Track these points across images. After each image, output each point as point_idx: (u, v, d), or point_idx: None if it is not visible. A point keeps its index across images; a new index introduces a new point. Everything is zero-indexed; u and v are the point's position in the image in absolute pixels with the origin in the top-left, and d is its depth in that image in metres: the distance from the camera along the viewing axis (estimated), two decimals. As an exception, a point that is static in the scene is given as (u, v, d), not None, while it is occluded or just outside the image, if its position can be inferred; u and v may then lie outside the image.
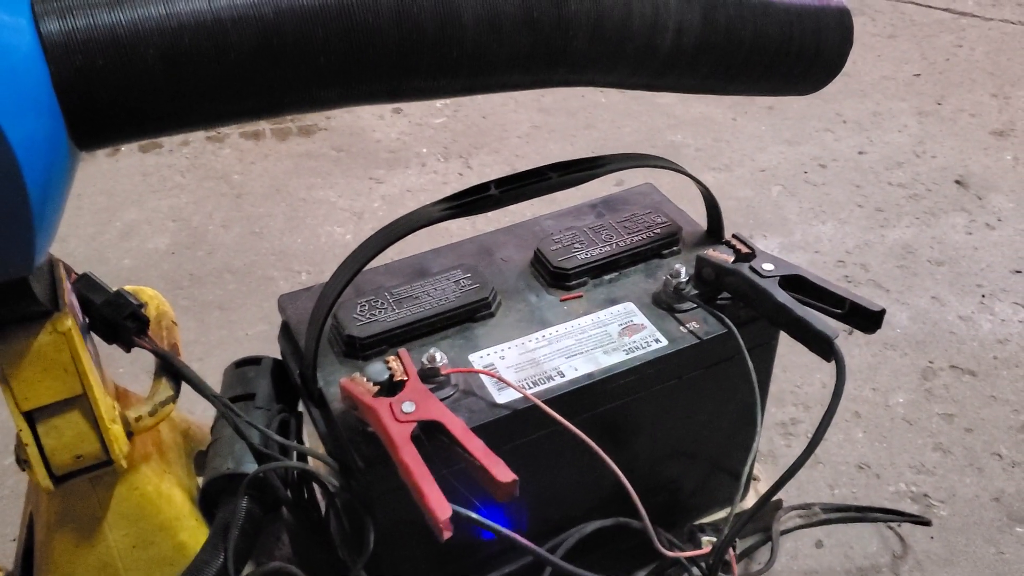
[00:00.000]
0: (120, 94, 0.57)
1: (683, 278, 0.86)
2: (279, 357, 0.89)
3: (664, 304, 0.87)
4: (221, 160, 1.93)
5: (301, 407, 0.86)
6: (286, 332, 0.88)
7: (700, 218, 0.98)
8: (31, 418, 0.66)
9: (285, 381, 0.87)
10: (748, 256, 0.85)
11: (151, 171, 1.89)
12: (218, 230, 1.70)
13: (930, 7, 2.54)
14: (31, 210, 0.54)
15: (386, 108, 2.15)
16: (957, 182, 1.83)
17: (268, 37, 0.60)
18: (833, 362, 0.78)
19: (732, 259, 0.85)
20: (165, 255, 1.61)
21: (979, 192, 1.79)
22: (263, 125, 2.06)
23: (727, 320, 0.84)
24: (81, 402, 0.67)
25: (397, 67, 0.65)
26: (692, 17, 0.79)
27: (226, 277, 1.58)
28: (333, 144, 2.01)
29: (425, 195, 1.85)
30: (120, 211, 1.76)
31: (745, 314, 0.85)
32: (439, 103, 2.17)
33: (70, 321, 0.64)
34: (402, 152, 2.00)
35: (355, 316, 0.84)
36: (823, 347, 0.79)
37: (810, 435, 1.26)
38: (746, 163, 1.92)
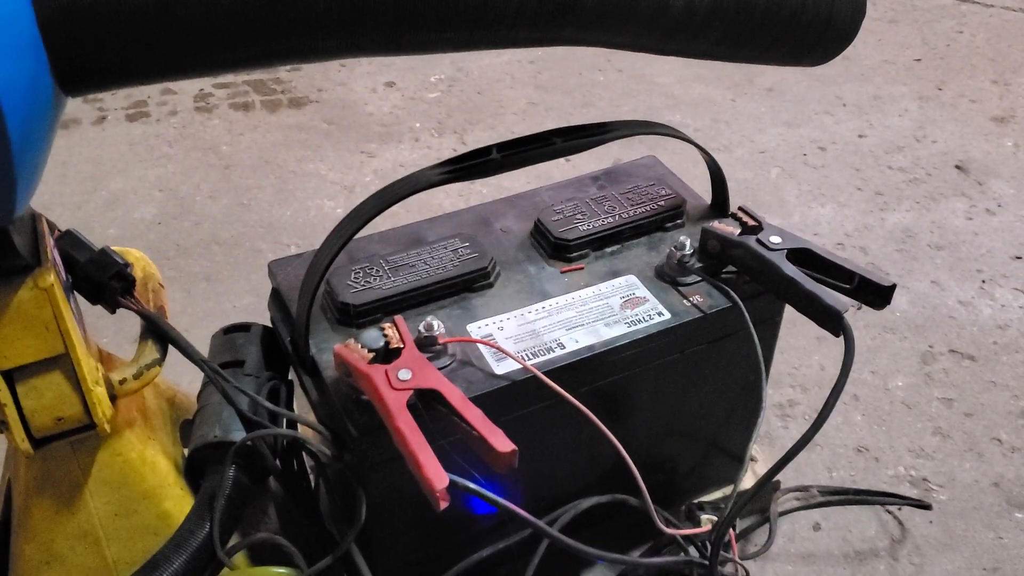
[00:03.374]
0: (108, 35, 0.54)
1: (687, 251, 0.84)
2: (269, 325, 0.87)
3: (667, 277, 0.84)
4: (210, 131, 1.89)
5: (292, 375, 0.84)
6: (276, 298, 0.85)
7: (704, 192, 0.96)
8: (10, 377, 0.63)
9: (275, 348, 0.84)
10: (755, 229, 0.82)
11: (138, 140, 1.85)
12: (206, 201, 1.67)
13: (931, -8, 2.52)
14: (12, 154, 0.51)
15: (379, 81, 2.11)
16: (957, 167, 1.81)
17: None
18: (841, 337, 0.76)
19: (738, 231, 0.83)
20: (151, 225, 1.58)
21: (979, 178, 1.77)
22: (253, 96, 2.02)
23: (732, 294, 0.81)
24: (63, 362, 0.64)
25: (400, 16, 0.62)
26: (704, -20, 0.76)
27: (213, 248, 1.55)
28: (324, 117, 1.97)
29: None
30: (106, 180, 1.72)
31: (750, 288, 0.83)
32: (433, 77, 2.14)
33: (52, 277, 0.62)
34: (395, 126, 1.96)
35: (349, 283, 0.81)
36: (832, 321, 0.76)
37: (808, 417, 1.25)
38: (745, 144, 1.89)
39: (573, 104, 2.06)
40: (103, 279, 0.70)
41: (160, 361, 0.71)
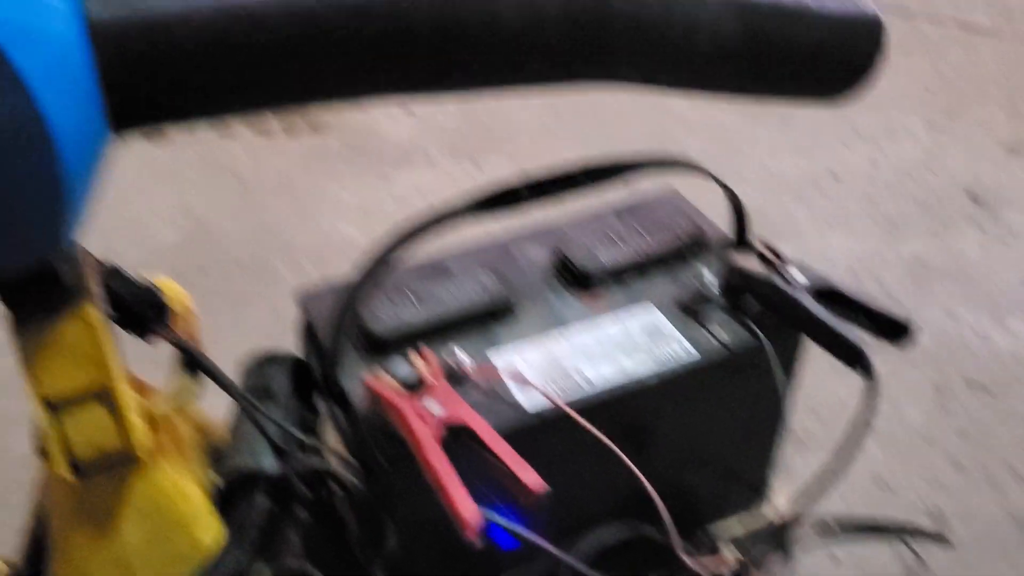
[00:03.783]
0: (160, 79, 0.56)
1: (710, 284, 0.85)
2: (293, 352, 0.88)
3: (690, 310, 0.86)
4: (230, 155, 1.92)
5: (319, 405, 0.85)
6: (306, 328, 0.87)
7: (724, 222, 0.97)
8: (54, 408, 0.64)
9: (304, 378, 0.85)
10: (777, 264, 0.84)
11: (160, 164, 1.88)
12: (226, 224, 1.69)
13: (943, 23, 2.53)
14: (62, 192, 0.52)
15: (395, 106, 2.14)
16: (970, 197, 1.82)
17: (309, 28, 0.59)
18: (862, 374, 0.77)
19: (761, 267, 0.84)
20: (173, 247, 1.60)
21: (993, 207, 1.79)
22: (272, 121, 2.05)
23: (755, 328, 0.83)
24: (104, 394, 0.65)
25: (436, 62, 0.64)
26: (729, 20, 0.78)
27: (233, 271, 1.57)
28: (342, 141, 2.00)
29: (434, 195, 1.85)
30: (128, 202, 1.75)
31: (773, 322, 0.84)
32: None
33: (97, 310, 0.63)
34: (411, 150, 1.99)
35: (376, 313, 0.82)
36: (855, 359, 0.78)
37: (824, 447, 1.25)
38: (758, 171, 1.91)
39: (586, 128, 2.08)
40: (142, 311, 0.71)
41: (196, 392, 0.73)
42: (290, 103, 0.63)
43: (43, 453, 0.68)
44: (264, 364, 0.86)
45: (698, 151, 1.99)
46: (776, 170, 1.91)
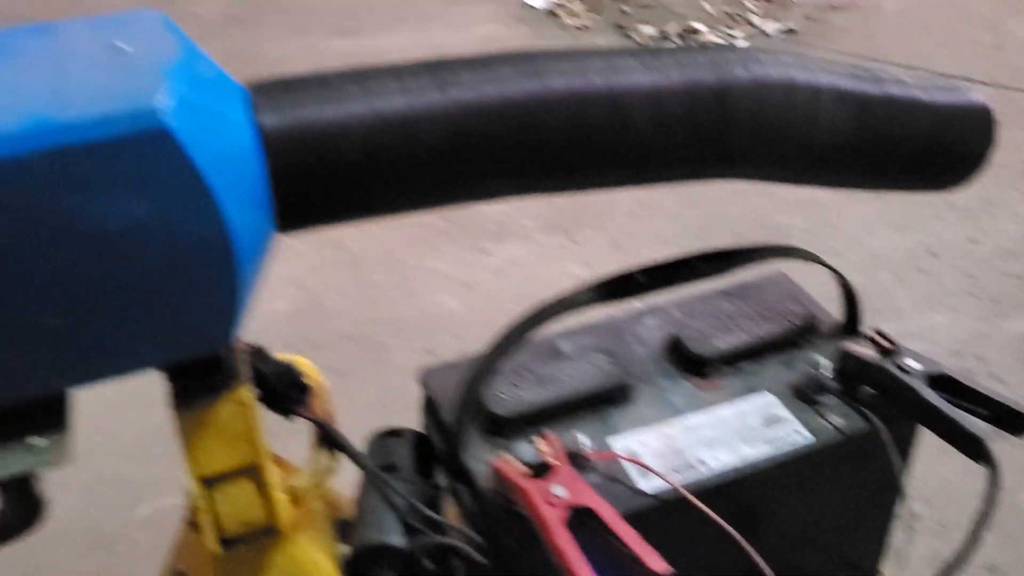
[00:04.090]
0: (323, 184, 0.61)
1: (824, 371, 0.86)
2: (412, 427, 0.91)
3: (805, 396, 0.87)
4: (339, 229, 1.99)
5: (440, 479, 0.88)
6: (428, 406, 0.90)
7: (831, 305, 0.98)
8: (206, 484, 0.69)
9: (426, 454, 0.89)
10: (892, 352, 0.85)
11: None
12: (335, 296, 1.75)
13: (1041, 95, 2.51)
14: (236, 291, 0.57)
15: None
16: (1077, 275, 1.79)
17: (455, 133, 0.64)
18: (983, 464, 0.78)
19: (876, 354, 0.85)
20: (284, 319, 1.67)
21: (1101, 286, 1.75)
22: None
23: (872, 417, 0.83)
24: (252, 471, 0.70)
25: (569, 162, 0.68)
26: (846, 117, 0.80)
27: (344, 343, 1.63)
28: (443, 215, 2.06)
29: (531, 268, 1.88)
30: (240, 273, 1.83)
31: (888, 410, 0.85)
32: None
33: (249, 392, 0.68)
34: (507, 224, 2.04)
35: (497, 394, 0.86)
36: (974, 448, 0.78)
37: (933, 532, 1.24)
38: (855, 248, 1.91)
39: (681, 204, 2.11)
40: (285, 390, 0.76)
41: (333, 468, 0.77)
42: (435, 204, 0.67)
43: (192, 524, 0.73)
44: (387, 439, 0.90)
45: (793, 228, 2.00)
46: (872, 247, 1.90)
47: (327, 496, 0.89)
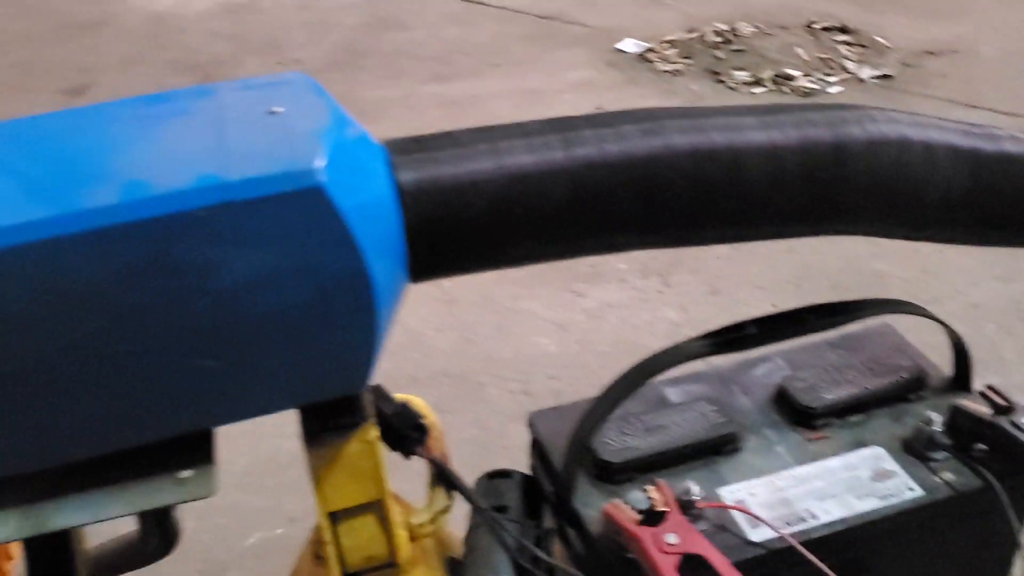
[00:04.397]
0: (453, 237, 0.64)
1: (936, 426, 0.86)
2: (509, 467, 0.94)
3: (915, 451, 0.87)
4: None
5: (548, 523, 0.90)
6: (536, 448, 0.93)
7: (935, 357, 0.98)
8: (333, 519, 0.72)
9: (534, 496, 0.91)
10: (1007, 409, 0.84)
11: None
12: (433, 335, 1.80)
13: None
14: (375, 337, 0.61)
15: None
16: None
17: (578, 189, 0.66)
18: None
19: (989, 410, 0.85)
20: (386, 354, 1.71)
21: None
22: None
23: (987, 474, 0.83)
24: (376, 507, 0.73)
25: (688, 217, 0.70)
26: (960, 175, 0.81)
27: (442, 381, 1.66)
28: (537, 257, 2.09)
29: (626, 311, 1.90)
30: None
31: (1003, 468, 0.84)
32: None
33: (376, 431, 0.71)
34: (602, 267, 2.06)
35: (606, 441, 0.87)
36: (1095, 511, 0.77)
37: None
38: (956, 298, 1.88)
39: (776, 249, 2.10)
40: (404, 430, 0.79)
41: (449, 507, 0.79)
42: (558, 257, 0.70)
43: (317, 557, 0.76)
44: (496, 480, 0.93)
45: (891, 276, 1.98)
46: (975, 297, 1.87)
47: (439, 534, 0.92)
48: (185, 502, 0.63)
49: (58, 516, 0.60)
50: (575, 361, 1.67)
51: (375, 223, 0.60)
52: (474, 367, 1.68)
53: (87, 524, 0.61)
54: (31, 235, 0.51)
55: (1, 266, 0.50)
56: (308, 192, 0.54)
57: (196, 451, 0.64)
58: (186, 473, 0.63)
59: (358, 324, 0.60)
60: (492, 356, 1.71)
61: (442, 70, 3.48)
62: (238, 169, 0.55)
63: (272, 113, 0.60)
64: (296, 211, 0.55)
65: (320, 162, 0.55)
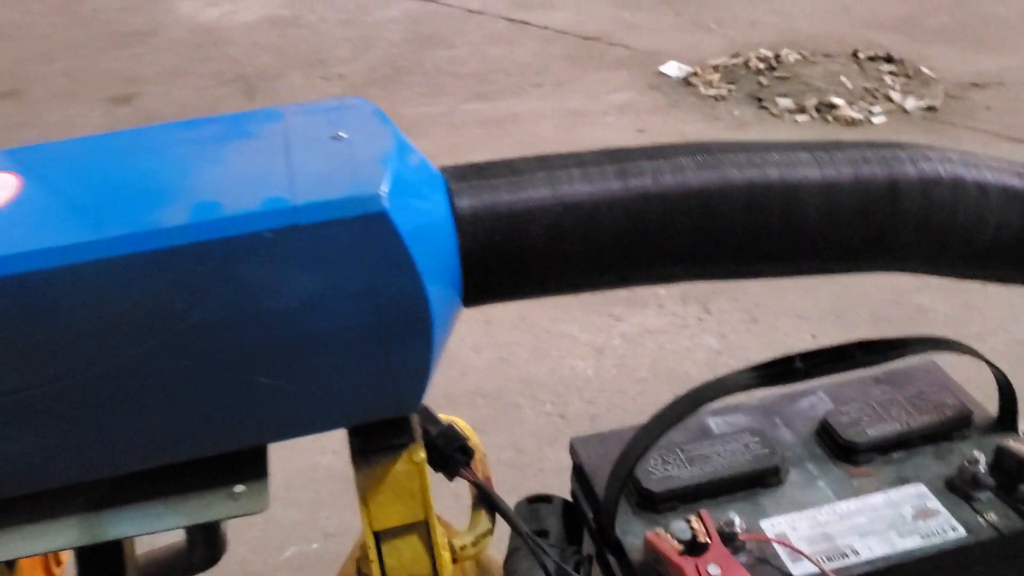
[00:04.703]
0: (507, 263, 0.65)
1: (981, 466, 0.85)
2: (548, 491, 0.94)
3: (958, 490, 0.86)
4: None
5: (587, 549, 0.90)
6: (578, 474, 0.93)
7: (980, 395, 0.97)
8: (378, 538, 0.73)
9: (574, 521, 0.91)
10: (1054, 452, 0.83)
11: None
12: (470, 354, 1.80)
13: None
14: (430, 359, 0.62)
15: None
16: None
17: (633, 220, 0.67)
18: None
19: (1035, 453, 0.84)
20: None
21: None
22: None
23: (1031, 516, 0.82)
24: (420, 527, 0.73)
25: (741, 251, 0.71)
26: (1013, 214, 0.80)
27: (478, 400, 1.67)
28: (576, 279, 2.10)
29: (664, 336, 1.90)
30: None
31: (1049, 512, 0.83)
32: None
33: (423, 453, 0.72)
34: (640, 291, 2.06)
35: (649, 469, 0.88)
36: None
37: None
38: (1000, 333, 1.86)
39: (816, 280, 2.09)
40: (449, 451, 0.80)
41: (491, 530, 0.80)
42: (611, 286, 0.71)
43: (360, 574, 0.77)
44: (536, 504, 0.93)
45: (933, 310, 1.96)
46: (1019, 334, 1.85)
47: (480, 557, 0.93)
48: (238, 516, 0.64)
49: (116, 526, 0.61)
50: (612, 386, 1.67)
51: (434, 248, 0.61)
52: (510, 388, 1.69)
53: (143, 534, 0.62)
54: (105, 252, 0.52)
55: (76, 281, 0.52)
56: (372, 217, 0.56)
57: (250, 466, 0.65)
58: (240, 488, 0.64)
59: (413, 347, 0.61)
60: (528, 378, 1.72)
61: (483, 89, 3.50)
62: (304, 193, 0.56)
63: (337, 138, 0.62)
64: (360, 235, 0.56)
65: (384, 188, 0.56)
